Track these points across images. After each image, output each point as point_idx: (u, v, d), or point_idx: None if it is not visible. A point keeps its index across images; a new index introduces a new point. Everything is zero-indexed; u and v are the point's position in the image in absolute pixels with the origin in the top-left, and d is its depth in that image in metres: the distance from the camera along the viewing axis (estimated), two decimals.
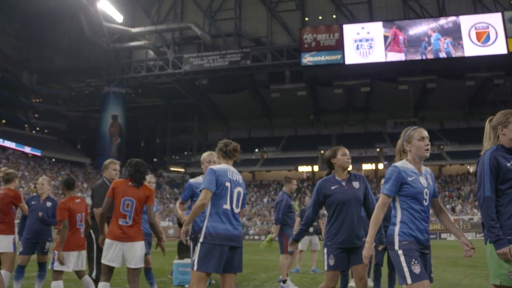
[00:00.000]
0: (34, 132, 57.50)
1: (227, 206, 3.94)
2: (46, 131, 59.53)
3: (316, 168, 54.28)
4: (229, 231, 3.86)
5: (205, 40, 49.82)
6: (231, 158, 4.21)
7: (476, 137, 49.00)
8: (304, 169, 54.85)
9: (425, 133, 3.50)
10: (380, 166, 50.85)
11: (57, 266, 5.30)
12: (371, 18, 49.84)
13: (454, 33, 44.01)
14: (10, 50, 55.06)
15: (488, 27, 43.53)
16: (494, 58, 43.21)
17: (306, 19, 52.34)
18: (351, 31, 46.07)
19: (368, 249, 3.41)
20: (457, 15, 45.50)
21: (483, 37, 43.25)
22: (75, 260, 5.43)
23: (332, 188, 4.33)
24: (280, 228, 7.91)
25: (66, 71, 55.92)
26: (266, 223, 43.20)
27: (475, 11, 47.74)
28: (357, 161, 48.93)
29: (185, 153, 64.40)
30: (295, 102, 54.52)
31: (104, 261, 4.55)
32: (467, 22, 44.22)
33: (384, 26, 45.64)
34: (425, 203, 3.37)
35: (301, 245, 10.71)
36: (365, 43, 45.37)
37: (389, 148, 53.95)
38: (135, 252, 4.62)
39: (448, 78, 48.05)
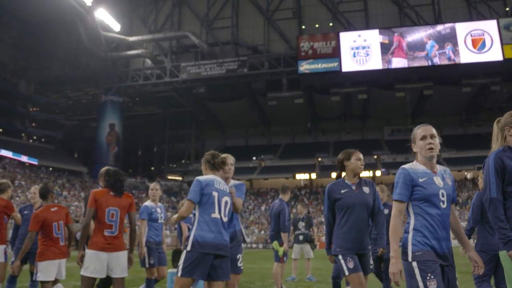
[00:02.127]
0: (31, 141, 57.43)
1: (215, 215, 4.00)
2: (43, 140, 59.48)
3: (313, 175, 54.26)
4: (217, 240, 3.92)
5: (202, 48, 49.96)
6: (218, 170, 4.29)
7: (473, 143, 49.35)
8: (301, 176, 54.84)
9: (429, 131, 3.18)
10: (378, 173, 50.85)
11: (40, 277, 5.26)
12: (367, 26, 50.03)
13: (452, 40, 44.19)
14: (8, 59, 55.07)
15: (483, 34, 43.73)
16: (490, 64, 43.35)
17: (303, 27, 52.52)
18: (347, 39, 46.25)
19: (396, 264, 2.96)
20: (452, 22, 45.76)
21: (478, 44, 43.44)
22: (57, 269, 5.37)
23: (342, 191, 4.24)
24: (278, 237, 7.94)
25: (63, 80, 55.95)
26: (264, 231, 43.07)
27: (471, 18, 47.96)
28: None
29: (183, 161, 64.37)
30: (292, 110, 54.60)
31: (86, 273, 4.44)
32: (463, 29, 44.44)
33: (380, 34, 45.83)
34: (443, 206, 3.01)
35: (294, 254, 10.71)
36: (362, 51, 45.52)
37: (387, 155, 54.00)
38: (121, 262, 4.60)
39: (444, 85, 48.15)
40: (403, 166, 3.15)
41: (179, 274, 3.83)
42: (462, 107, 56.54)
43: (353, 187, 4.27)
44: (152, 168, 67.24)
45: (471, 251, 3.11)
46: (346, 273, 4.07)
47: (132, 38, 51.22)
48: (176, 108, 59.65)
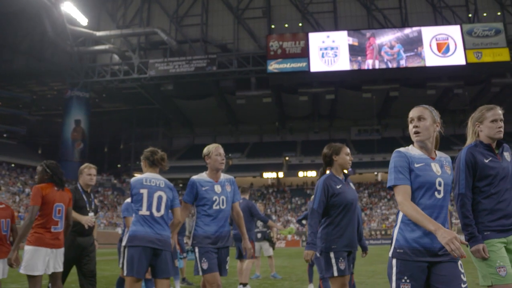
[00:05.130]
0: None
1: (143, 212, 4.06)
2: (5, 135, 57.76)
3: (281, 174, 54.62)
4: (148, 234, 3.98)
5: (171, 45, 49.57)
6: (157, 166, 4.34)
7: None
8: (269, 175, 55.14)
9: (416, 113, 2.78)
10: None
11: None
12: (336, 27, 50.69)
13: (419, 43, 45.19)
14: None
15: (448, 39, 44.94)
16: (453, 68, 44.67)
17: (273, 26, 52.77)
18: (316, 39, 46.72)
19: (445, 233, 2.36)
20: (419, 25, 46.89)
21: (443, 48, 44.62)
22: (2, 268, 5.14)
23: (338, 187, 4.01)
24: (248, 234, 7.98)
25: (27, 73, 54.35)
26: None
27: (436, 23, 49.21)
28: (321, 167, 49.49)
29: None
30: (260, 109, 54.79)
31: (33, 271, 4.30)
32: (429, 33, 45.56)
33: (349, 35, 46.47)
34: (438, 196, 2.65)
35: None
36: (330, 51, 46.07)
37: (353, 155, 54.54)
38: (61, 258, 4.56)
39: (410, 87, 49.26)
40: (398, 149, 2.79)
41: (124, 273, 3.92)
42: None
43: (344, 183, 4.10)
44: (119, 166, 66.31)
45: None
46: (335, 273, 3.83)
47: (99, 33, 50.35)
48: (143, 105, 58.91)
